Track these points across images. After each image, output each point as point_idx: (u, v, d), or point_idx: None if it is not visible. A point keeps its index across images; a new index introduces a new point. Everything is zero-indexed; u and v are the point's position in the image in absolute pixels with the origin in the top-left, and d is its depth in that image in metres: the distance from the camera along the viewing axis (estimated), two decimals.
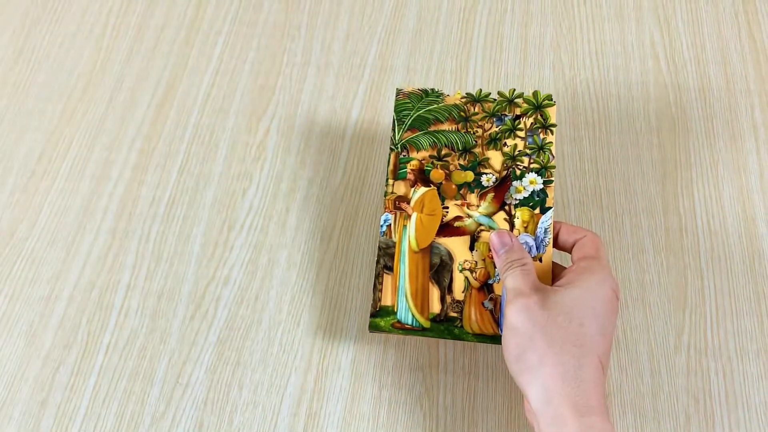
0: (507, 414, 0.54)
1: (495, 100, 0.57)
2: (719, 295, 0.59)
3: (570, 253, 0.51)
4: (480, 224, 0.54)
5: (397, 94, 0.58)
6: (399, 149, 0.56)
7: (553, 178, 0.54)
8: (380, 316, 0.52)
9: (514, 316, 0.44)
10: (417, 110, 0.58)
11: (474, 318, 0.51)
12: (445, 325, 0.51)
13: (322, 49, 0.74)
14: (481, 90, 0.57)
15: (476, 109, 0.57)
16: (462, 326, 0.51)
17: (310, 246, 0.62)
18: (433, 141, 0.56)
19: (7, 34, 0.76)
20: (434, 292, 0.52)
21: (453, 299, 0.52)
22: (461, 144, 0.56)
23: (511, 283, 0.47)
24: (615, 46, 0.73)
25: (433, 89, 0.59)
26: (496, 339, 0.50)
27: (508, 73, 0.72)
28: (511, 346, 0.44)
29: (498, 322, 0.51)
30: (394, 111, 0.58)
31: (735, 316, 0.58)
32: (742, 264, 0.60)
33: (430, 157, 0.56)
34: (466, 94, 0.58)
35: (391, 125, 0.57)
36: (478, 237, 0.53)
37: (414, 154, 0.56)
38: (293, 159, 0.67)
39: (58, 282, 0.60)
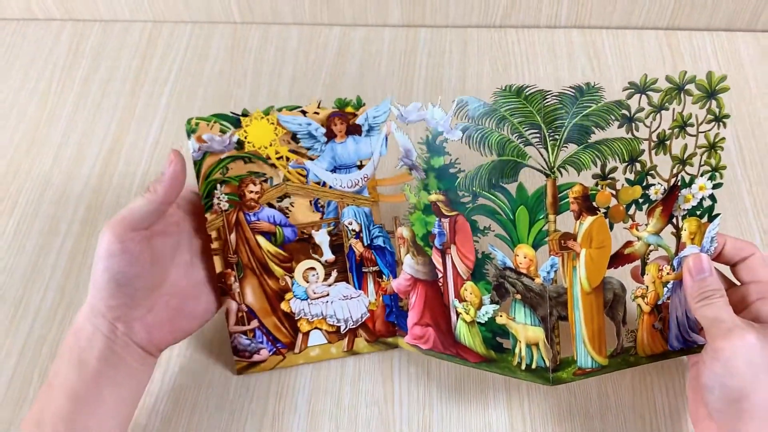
0: None
1: (662, 89, 0.47)
2: None
3: (730, 266, 0.51)
4: (649, 245, 0.50)
5: (535, 95, 0.46)
6: (555, 174, 0.47)
7: (722, 181, 0.49)
8: (562, 369, 0.49)
9: (736, 353, 0.43)
10: (573, 116, 0.46)
11: (646, 341, 0.50)
12: (621, 357, 0.50)
13: (268, 94, 0.76)
14: (646, 75, 0.47)
15: (641, 104, 0.47)
16: (636, 352, 0.50)
17: None
18: (596, 155, 0.47)
19: None
20: (610, 329, 0.50)
21: (627, 330, 0.51)
22: (627, 154, 0.47)
23: (716, 313, 0.46)
24: (549, 81, 0.76)
25: (588, 83, 0.46)
26: (666, 355, 0.50)
27: None
28: (730, 387, 0.43)
29: (667, 339, 0.50)
30: (544, 122, 0.46)
31: None
32: None
33: (594, 176, 0.48)
34: (629, 83, 0.47)
35: (543, 141, 0.47)
36: (648, 260, 0.50)
37: (574, 177, 0.47)
38: None
39: (8, 339, 0.60)
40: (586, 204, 0.48)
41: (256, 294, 0.55)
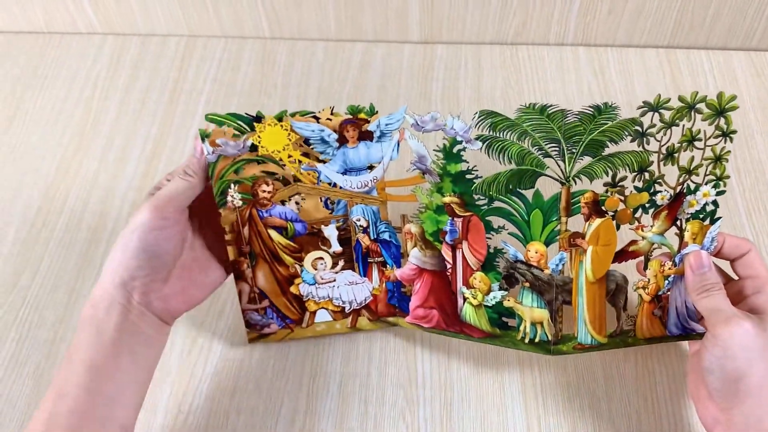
0: (481, 423, 0.60)
1: (673, 108, 0.51)
2: None
3: (730, 261, 0.55)
4: (653, 243, 0.55)
5: (556, 113, 0.51)
6: (570, 183, 0.52)
7: (725, 189, 0.53)
8: (562, 343, 0.55)
9: (734, 339, 0.48)
10: (589, 133, 0.52)
11: (645, 326, 0.56)
12: (620, 338, 0.56)
13: (297, 103, 0.82)
14: (660, 95, 0.51)
15: (653, 121, 0.51)
16: (635, 335, 0.56)
17: None
18: (608, 166, 0.52)
19: None
20: (611, 313, 0.56)
21: (627, 315, 0.56)
22: (637, 165, 0.52)
23: (715, 304, 0.51)
24: (558, 95, 0.82)
25: (606, 103, 0.52)
26: (663, 339, 0.56)
27: None
28: (729, 369, 0.48)
29: (665, 325, 0.56)
30: (564, 137, 0.51)
31: None
32: None
33: (604, 184, 0.53)
34: (644, 102, 0.52)
35: (561, 154, 0.52)
36: (651, 256, 0.55)
37: (587, 185, 0.52)
38: None
39: (62, 325, 0.65)
40: (596, 208, 0.53)
41: (268, 279, 0.59)
